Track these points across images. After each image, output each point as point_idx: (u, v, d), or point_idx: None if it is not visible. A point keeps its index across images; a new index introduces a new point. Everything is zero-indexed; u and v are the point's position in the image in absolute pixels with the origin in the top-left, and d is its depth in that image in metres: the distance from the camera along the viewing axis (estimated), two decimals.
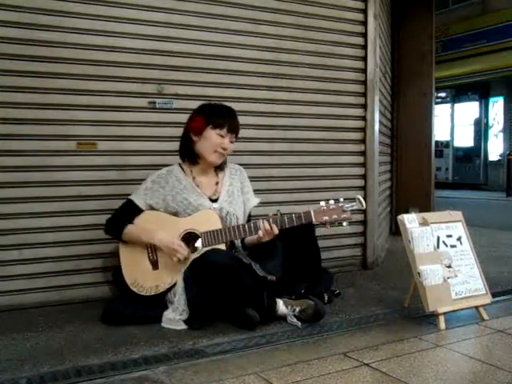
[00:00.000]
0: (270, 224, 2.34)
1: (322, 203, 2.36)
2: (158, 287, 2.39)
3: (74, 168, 2.70)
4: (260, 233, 2.35)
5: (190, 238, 2.43)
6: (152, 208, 2.47)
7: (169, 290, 2.39)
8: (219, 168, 2.59)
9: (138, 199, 2.46)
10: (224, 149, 2.46)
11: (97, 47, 2.72)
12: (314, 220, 2.34)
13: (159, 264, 2.43)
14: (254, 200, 2.67)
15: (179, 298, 2.32)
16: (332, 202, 2.37)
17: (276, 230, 2.35)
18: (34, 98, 2.60)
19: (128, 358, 1.97)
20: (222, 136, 2.45)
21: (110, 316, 2.38)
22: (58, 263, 2.67)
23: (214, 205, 2.50)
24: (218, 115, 2.47)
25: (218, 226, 2.40)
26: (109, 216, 2.51)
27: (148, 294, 2.39)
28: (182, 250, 2.35)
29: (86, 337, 2.20)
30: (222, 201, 2.53)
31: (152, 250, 2.44)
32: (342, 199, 2.38)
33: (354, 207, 2.34)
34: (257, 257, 2.43)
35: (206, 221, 2.41)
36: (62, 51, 2.64)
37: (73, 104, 2.68)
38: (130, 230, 2.43)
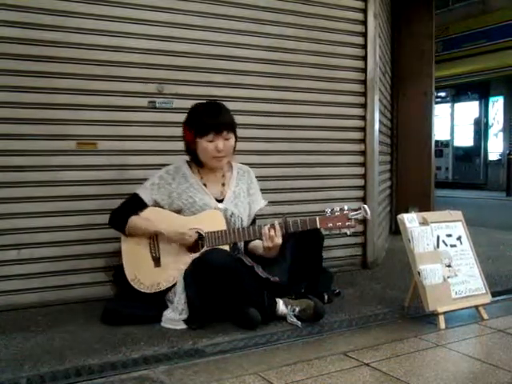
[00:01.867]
0: (274, 229, 2.34)
1: (328, 210, 2.36)
2: (160, 285, 2.38)
3: (74, 168, 2.69)
4: (263, 240, 2.35)
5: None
6: (157, 203, 2.46)
7: (169, 289, 2.38)
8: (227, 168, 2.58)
9: (144, 194, 2.45)
10: (219, 151, 2.41)
11: (101, 47, 2.71)
12: (318, 225, 2.34)
13: (161, 261, 2.41)
14: (261, 202, 2.65)
15: (179, 298, 2.31)
16: (337, 209, 2.36)
17: (279, 240, 2.34)
18: (36, 97, 2.59)
19: (128, 357, 1.97)
20: (211, 141, 2.40)
21: (109, 316, 2.38)
22: (54, 263, 2.67)
23: (220, 205, 2.49)
24: (200, 122, 2.40)
25: (223, 226, 2.40)
26: (109, 215, 2.50)
27: (148, 291, 2.38)
28: (191, 232, 2.36)
29: (86, 337, 2.20)
30: (228, 202, 2.52)
31: (155, 246, 2.43)
32: (346, 207, 2.37)
33: (359, 216, 2.35)
34: (264, 262, 2.43)
35: (211, 221, 2.41)
36: (66, 51, 2.63)
37: (74, 104, 2.67)
38: (135, 220, 2.41)
